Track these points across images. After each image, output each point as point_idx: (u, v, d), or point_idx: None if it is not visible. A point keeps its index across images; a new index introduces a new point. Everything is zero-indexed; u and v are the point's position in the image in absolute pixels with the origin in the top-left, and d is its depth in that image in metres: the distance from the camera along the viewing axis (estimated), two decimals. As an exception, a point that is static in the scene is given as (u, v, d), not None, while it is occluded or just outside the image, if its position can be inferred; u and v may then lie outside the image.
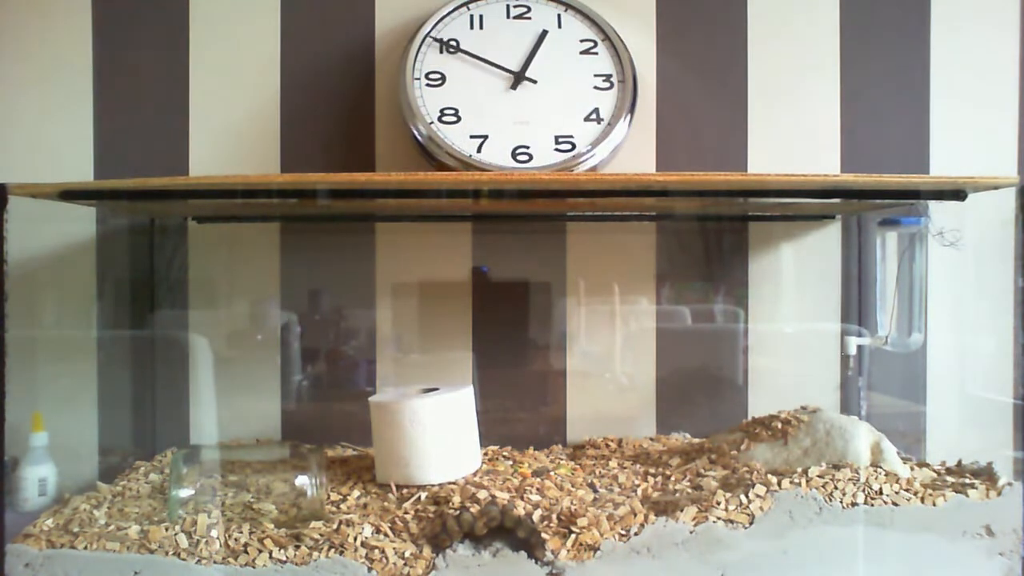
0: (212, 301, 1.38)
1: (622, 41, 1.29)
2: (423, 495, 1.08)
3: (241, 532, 0.99)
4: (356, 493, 1.12)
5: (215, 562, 0.94)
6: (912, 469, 1.14)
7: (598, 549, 0.96)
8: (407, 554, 0.96)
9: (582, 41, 1.29)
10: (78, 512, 1.06)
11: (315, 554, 0.95)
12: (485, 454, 1.28)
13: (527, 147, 1.24)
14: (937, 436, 1.36)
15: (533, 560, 0.96)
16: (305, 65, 1.36)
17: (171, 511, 1.02)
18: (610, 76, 1.27)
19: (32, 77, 1.34)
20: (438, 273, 1.39)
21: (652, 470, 1.21)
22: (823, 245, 1.40)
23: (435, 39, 1.28)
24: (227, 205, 1.25)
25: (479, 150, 1.23)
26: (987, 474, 1.10)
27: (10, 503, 1.17)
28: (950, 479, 1.10)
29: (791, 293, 1.41)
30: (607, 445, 1.34)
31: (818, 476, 1.05)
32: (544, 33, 1.28)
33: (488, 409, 1.36)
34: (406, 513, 1.04)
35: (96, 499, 1.11)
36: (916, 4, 1.40)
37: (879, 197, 1.17)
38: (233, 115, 1.36)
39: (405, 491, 1.10)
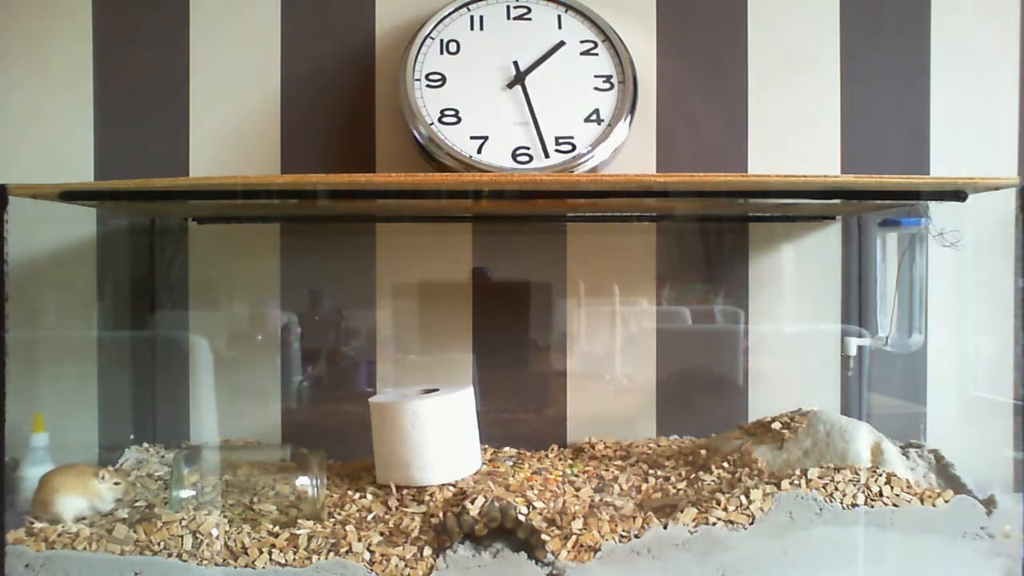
0: (212, 302, 1.38)
1: (622, 42, 1.29)
2: (423, 496, 1.08)
3: (241, 533, 0.99)
4: (356, 494, 1.12)
5: (216, 563, 0.95)
6: (912, 470, 1.15)
7: (598, 550, 0.97)
8: (408, 555, 0.96)
9: (582, 42, 1.29)
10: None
11: (315, 556, 0.95)
12: (485, 452, 1.28)
13: (527, 148, 1.24)
14: (937, 437, 1.35)
15: (533, 561, 0.96)
16: (305, 65, 1.36)
17: (172, 512, 1.02)
18: (610, 77, 1.27)
19: (32, 77, 1.34)
20: (438, 274, 1.39)
21: (652, 471, 1.21)
22: (823, 246, 1.40)
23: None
24: (228, 206, 1.25)
25: (479, 151, 1.23)
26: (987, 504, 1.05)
27: (10, 503, 1.16)
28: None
29: (791, 294, 1.41)
30: (607, 446, 1.34)
31: (818, 477, 1.05)
32: (560, 44, 1.27)
33: (488, 410, 1.35)
34: (406, 514, 1.04)
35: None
36: (916, 4, 1.40)
37: (879, 198, 1.16)
38: (233, 115, 1.36)
39: (405, 492, 1.10)
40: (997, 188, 1.01)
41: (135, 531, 0.98)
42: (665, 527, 0.99)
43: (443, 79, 1.26)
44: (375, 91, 1.37)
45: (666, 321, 1.40)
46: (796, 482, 1.04)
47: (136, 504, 1.09)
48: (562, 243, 1.39)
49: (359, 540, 0.98)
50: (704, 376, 1.41)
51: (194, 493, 1.05)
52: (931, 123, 1.40)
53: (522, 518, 0.98)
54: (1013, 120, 1.40)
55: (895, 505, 1.01)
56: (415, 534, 1.00)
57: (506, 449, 1.34)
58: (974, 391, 1.38)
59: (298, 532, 0.99)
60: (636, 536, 0.98)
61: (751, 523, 0.99)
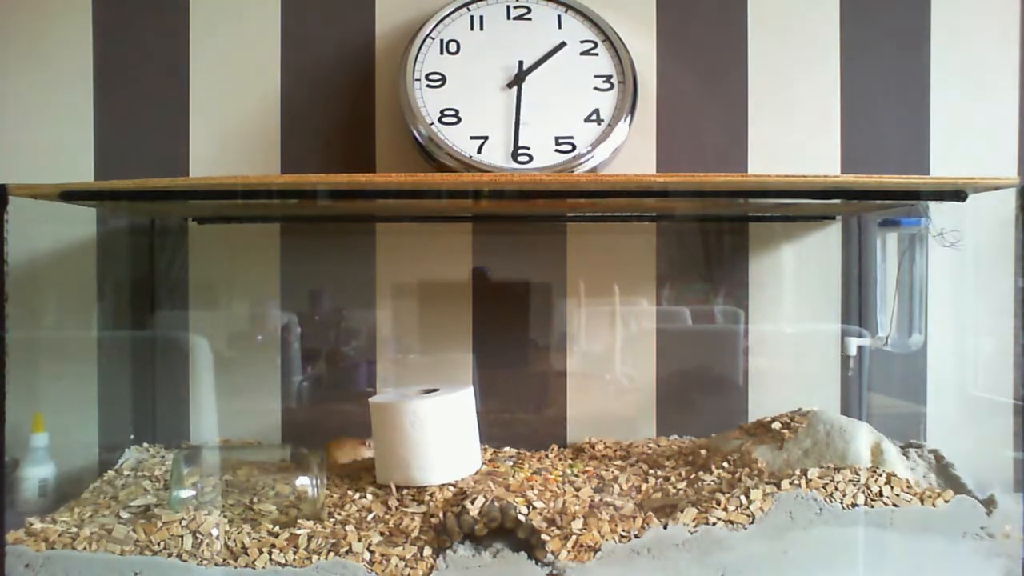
0: (212, 302, 1.38)
1: (622, 42, 1.29)
2: (423, 496, 1.08)
3: (241, 533, 0.99)
4: (356, 494, 1.12)
5: (216, 563, 0.95)
6: (912, 470, 1.15)
7: (598, 550, 0.97)
8: (408, 555, 0.96)
9: (582, 42, 1.29)
10: (78, 513, 1.06)
11: (315, 556, 0.95)
12: (485, 452, 1.28)
13: (527, 148, 1.24)
14: (937, 437, 1.35)
15: (533, 561, 0.96)
16: (305, 65, 1.36)
17: (172, 512, 1.02)
18: (610, 77, 1.27)
19: (32, 78, 1.34)
20: (438, 274, 1.39)
21: (652, 471, 1.21)
22: (823, 246, 1.40)
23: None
24: (228, 206, 1.25)
25: (479, 151, 1.23)
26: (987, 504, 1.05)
27: (10, 503, 1.16)
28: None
29: (791, 294, 1.41)
30: (607, 446, 1.34)
31: (818, 477, 1.05)
32: (562, 44, 1.27)
33: (488, 410, 1.35)
34: (406, 514, 1.04)
35: (96, 500, 1.11)
36: (916, 4, 1.40)
37: (879, 198, 1.17)
38: (233, 115, 1.36)
39: (405, 492, 1.10)
40: (997, 188, 1.01)
41: (135, 531, 0.98)
42: (665, 527, 0.99)
43: (443, 79, 1.26)
44: (375, 91, 1.37)
45: (666, 321, 1.40)
46: (796, 482, 1.04)
47: (136, 504, 1.09)
48: (562, 243, 1.39)
49: (359, 540, 0.98)
50: (704, 376, 1.41)
51: (194, 493, 1.05)
52: (931, 123, 1.40)
53: (522, 518, 0.98)
54: (1013, 120, 1.40)
55: (895, 505, 1.01)
56: (415, 534, 1.00)
57: (506, 449, 1.34)
58: (974, 391, 1.38)
59: (298, 532, 0.99)
60: (636, 536, 0.98)
61: (751, 523, 0.99)
